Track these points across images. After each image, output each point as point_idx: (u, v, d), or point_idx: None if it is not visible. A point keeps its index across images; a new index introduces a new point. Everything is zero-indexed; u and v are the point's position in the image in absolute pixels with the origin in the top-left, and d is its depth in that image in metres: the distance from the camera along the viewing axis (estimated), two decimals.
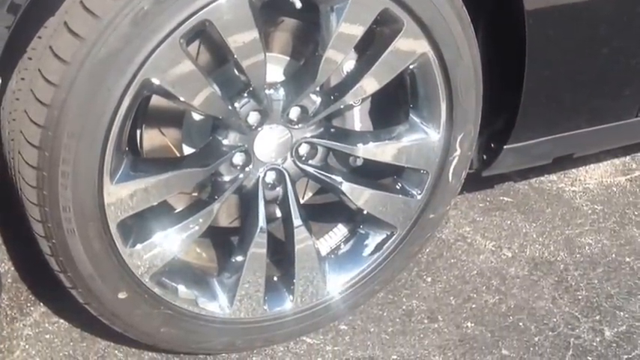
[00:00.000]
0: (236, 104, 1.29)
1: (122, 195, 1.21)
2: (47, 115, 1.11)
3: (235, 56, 1.22)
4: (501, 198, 1.93)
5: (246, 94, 1.30)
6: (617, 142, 1.88)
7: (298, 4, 1.23)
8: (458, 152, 1.48)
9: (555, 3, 1.44)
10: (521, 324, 1.59)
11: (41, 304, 1.50)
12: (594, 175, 2.03)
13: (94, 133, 1.13)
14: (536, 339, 1.55)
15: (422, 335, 1.54)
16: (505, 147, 1.61)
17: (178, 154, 1.35)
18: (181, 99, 1.20)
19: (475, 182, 1.75)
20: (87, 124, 1.13)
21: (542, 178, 2.00)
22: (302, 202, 1.49)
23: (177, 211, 1.33)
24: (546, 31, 1.46)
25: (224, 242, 1.46)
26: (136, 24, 1.10)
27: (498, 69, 1.52)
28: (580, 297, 1.66)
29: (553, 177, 2.02)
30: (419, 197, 1.49)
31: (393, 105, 1.46)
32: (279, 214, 1.46)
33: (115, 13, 1.09)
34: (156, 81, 1.15)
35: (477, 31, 1.43)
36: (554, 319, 1.60)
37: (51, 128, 1.12)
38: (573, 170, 2.03)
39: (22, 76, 1.15)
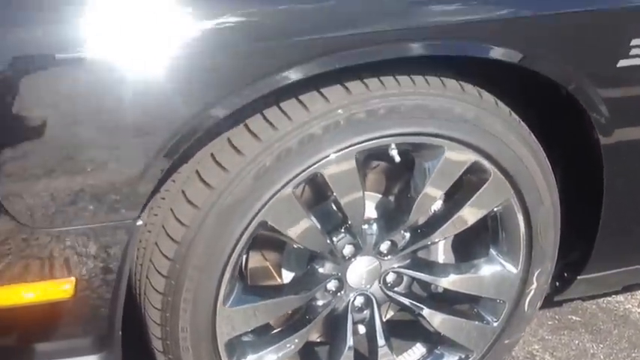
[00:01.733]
0: (334, 238, 1.45)
1: (232, 317, 1.37)
2: (176, 250, 1.28)
3: (337, 198, 1.38)
4: (570, 317, 2.02)
5: (343, 230, 1.45)
6: None
7: (397, 159, 1.37)
8: (534, 285, 1.59)
9: (633, 137, 1.56)
10: None
11: None
12: None
13: (215, 266, 1.30)
14: None
15: None
16: (579, 277, 1.72)
17: (278, 278, 1.50)
18: (289, 236, 1.36)
19: (545, 300, 1.85)
20: (210, 259, 1.29)
21: (609, 299, 2.08)
22: (384, 319, 1.62)
23: (275, 331, 1.48)
24: (624, 167, 1.57)
25: (312, 355, 1.60)
26: (258, 177, 1.27)
27: (575, 206, 1.64)
28: None
29: (620, 298, 2.10)
30: (495, 324, 1.60)
31: (475, 240, 1.59)
32: (362, 330, 1.60)
33: (241, 168, 1.26)
34: (270, 222, 1.32)
35: (555, 173, 1.56)
36: None
37: (179, 261, 1.29)
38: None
39: (155, 213, 1.33)
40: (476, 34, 1.32)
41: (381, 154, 1.40)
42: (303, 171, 1.29)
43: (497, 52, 1.34)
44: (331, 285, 1.48)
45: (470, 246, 1.60)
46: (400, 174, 1.50)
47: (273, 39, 1.19)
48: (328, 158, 1.30)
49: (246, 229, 1.28)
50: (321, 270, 1.47)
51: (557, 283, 1.76)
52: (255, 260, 1.49)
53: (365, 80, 1.31)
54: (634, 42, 1.38)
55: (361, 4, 1.24)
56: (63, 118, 1.13)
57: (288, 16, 1.21)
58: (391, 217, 1.48)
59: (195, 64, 1.16)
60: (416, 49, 1.29)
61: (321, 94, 1.29)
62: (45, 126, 1.13)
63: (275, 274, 1.50)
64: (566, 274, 1.74)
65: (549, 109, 1.52)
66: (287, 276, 1.50)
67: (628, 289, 2.07)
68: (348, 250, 1.46)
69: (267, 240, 1.46)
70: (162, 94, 1.16)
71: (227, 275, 1.32)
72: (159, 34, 1.15)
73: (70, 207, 1.18)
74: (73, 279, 1.23)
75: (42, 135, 1.14)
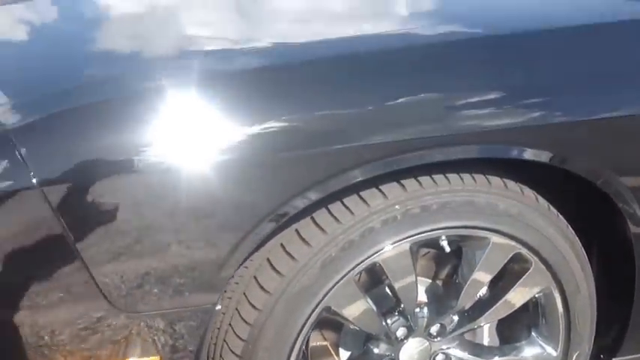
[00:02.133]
0: (388, 321, 1.57)
1: None
2: (250, 331, 1.42)
3: (392, 283, 1.51)
4: None
5: (396, 313, 1.58)
6: None
7: (447, 249, 1.51)
8: None
9: None
10: None
11: None
12: None
13: (284, 349, 1.43)
14: None
15: None
16: (614, 359, 1.82)
17: (336, 357, 1.62)
18: (349, 319, 1.49)
19: None
20: (279, 341, 1.42)
21: None
22: None
23: None
24: None
25: None
26: (324, 266, 1.42)
27: (608, 289, 1.75)
28: None
29: None
30: None
31: (517, 323, 1.70)
32: None
33: (309, 257, 1.41)
34: (334, 308, 1.45)
35: (592, 263, 1.69)
36: None
37: (251, 342, 1.42)
38: None
39: (229, 296, 1.47)
40: (508, 138, 1.47)
41: (432, 242, 1.54)
42: (364, 261, 1.43)
43: (529, 154, 1.49)
44: None
45: (513, 330, 1.71)
46: (449, 261, 1.64)
47: (335, 145, 1.36)
48: (386, 249, 1.45)
49: (312, 313, 1.43)
50: (376, 350, 1.59)
51: None
52: (316, 339, 1.61)
53: (419, 178, 1.47)
54: None
55: (406, 113, 1.41)
56: (159, 218, 1.30)
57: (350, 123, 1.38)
58: (441, 301, 1.61)
59: (268, 168, 1.33)
60: (456, 153, 1.45)
61: (380, 191, 1.45)
62: (143, 225, 1.30)
63: (333, 354, 1.62)
64: (602, 356, 1.84)
65: (586, 204, 1.66)
66: (344, 355, 1.62)
67: None
68: (401, 332, 1.58)
69: (326, 320, 1.59)
70: (243, 194, 1.32)
71: (293, 355, 1.45)
72: (236, 138, 1.32)
73: (159, 293, 1.33)
74: (158, 357, 1.37)
75: (136, 231, 1.31)
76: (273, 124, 1.34)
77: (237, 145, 1.32)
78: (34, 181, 1.26)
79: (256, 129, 1.32)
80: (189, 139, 1.32)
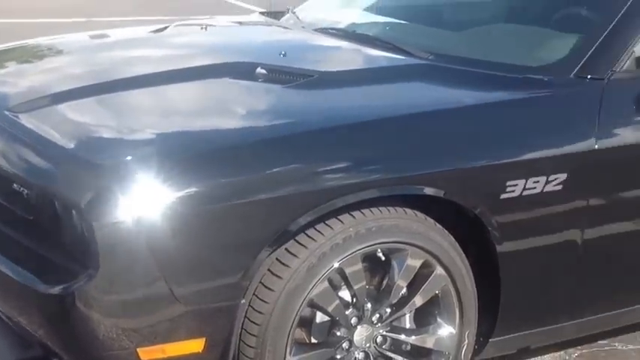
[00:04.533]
0: (347, 312, 2.30)
1: None
2: (262, 318, 2.10)
3: (352, 285, 2.24)
4: None
5: (351, 306, 2.31)
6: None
7: (383, 258, 2.27)
8: (466, 342, 2.47)
9: (523, 247, 2.48)
10: None
11: None
12: None
13: (285, 328, 2.14)
14: None
15: None
16: (490, 340, 2.60)
17: (309, 341, 2.30)
18: (326, 309, 2.22)
19: None
20: (282, 321, 2.14)
21: None
22: None
23: None
24: (514, 266, 2.48)
25: None
26: (309, 270, 2.13)
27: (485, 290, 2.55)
28: None
29: None
30: None
31: (427, 311, 2.45)
32: None
33: (298, 264, 2.12)
34: (315, 300, 2.18)
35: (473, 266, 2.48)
36: None
37: (263, 325, 2.11)
38: None
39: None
40: (414, 181, 2.26)
41: (371, 257, 2.29)
42: (334, 265, 2.18)
43: (431, 191, 2.29)
44: (345, 344, 2.30)
45: (425, 316, 2.46)
46: (382, 270, 2.38)
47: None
48: (348, 257, 2.18)
49: (303, 301, 2.13)
50: (338, 333, 2.31)
51: (476, 346, 2.64)
52: (297, 334, 2.30)
53: (363, 210, 2.22)
54: (508, 183, 2.37)
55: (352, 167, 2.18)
56: None
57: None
58: (378, 298, 2.35)
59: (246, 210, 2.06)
60: (384, 191, 2.23)
61: (339, 220, 2.19)
62: None
63: (307, 340, 2.30)
64: (482, 339, 2.62)
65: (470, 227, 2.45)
66: (316, 340, 2.32)
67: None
68: (354, 320, 2.31)
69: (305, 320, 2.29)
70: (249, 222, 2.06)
71: (291, 335, 2.12)
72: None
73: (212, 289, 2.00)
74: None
75: None
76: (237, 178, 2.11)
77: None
78: None
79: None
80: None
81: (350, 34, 3.02)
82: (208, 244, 2.03)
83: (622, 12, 2.62)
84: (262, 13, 3.40)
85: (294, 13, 3.33)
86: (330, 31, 3.06)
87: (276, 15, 3.39)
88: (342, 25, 3.10)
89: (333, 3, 3.48)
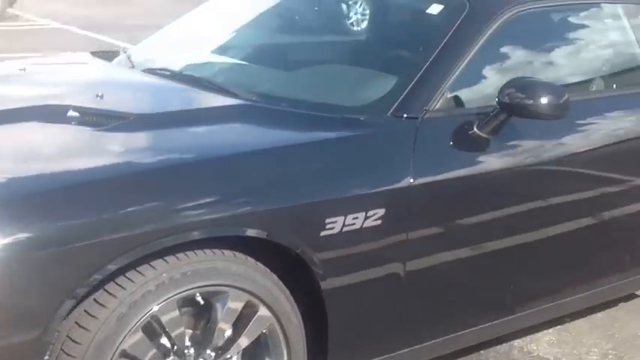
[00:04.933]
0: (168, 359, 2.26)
1: None
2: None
3: (169, 332, 2.21)
4: None
5: (172, 353, 2.27)
6: None
7: (202, 302, 2.25)
8: None
9: (347, 282, 2.53)
10: None
11: None
12: None
13: None
14: None
15: None
16: None
17: None
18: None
19: None
20: None
21: None
22: None
23: None
24: (339, 299, 2.51)
25: None
26: (119, 320, 2.09)
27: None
28: None
29: None
30: None
31: (255, 351, 2.44)
32: None
33: (107, 315, 2.07)
34: (128, 350, 2.13)
35: (298, 304, 2.49)
36: None
37: None
38: None
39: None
40: (235, 222, 2.26)
41: (190, 300, 2.26)
42: (147, 313, 2.13)
43: (252, 232, 2.29)
44: None
45: (253, 357, 2.45)
46: (204, 314, 2.35)
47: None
48: (162, 304, 2.15)
49: (114, 353, 2.09)
50: None
51: None
52: None
53: (177, 255, 2.19)
54: (327, 220, 2.40)
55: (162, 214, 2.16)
56: None
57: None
58: (201, 343, 2.32)
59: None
60: (203, 233, 2.22)
61: (151, 266, 2.15)
62: None
63: None
64: None
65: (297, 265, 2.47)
66: None
67: None
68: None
69: None
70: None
71: None
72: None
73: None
74: None
75: None
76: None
77: None
78: None
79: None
80: None
81: (178, 75, 3.02)
82: (4, 298, 1.96)
83: (434, 54, 2.76)
84: (94, 53, 3.35)
85: (125, 52, 3.30)
86: (159, 72, 3.04)
87: (108, 55, 3.36)
88: (172, 66, 3.09)
89: (168, 43, 3.47)
